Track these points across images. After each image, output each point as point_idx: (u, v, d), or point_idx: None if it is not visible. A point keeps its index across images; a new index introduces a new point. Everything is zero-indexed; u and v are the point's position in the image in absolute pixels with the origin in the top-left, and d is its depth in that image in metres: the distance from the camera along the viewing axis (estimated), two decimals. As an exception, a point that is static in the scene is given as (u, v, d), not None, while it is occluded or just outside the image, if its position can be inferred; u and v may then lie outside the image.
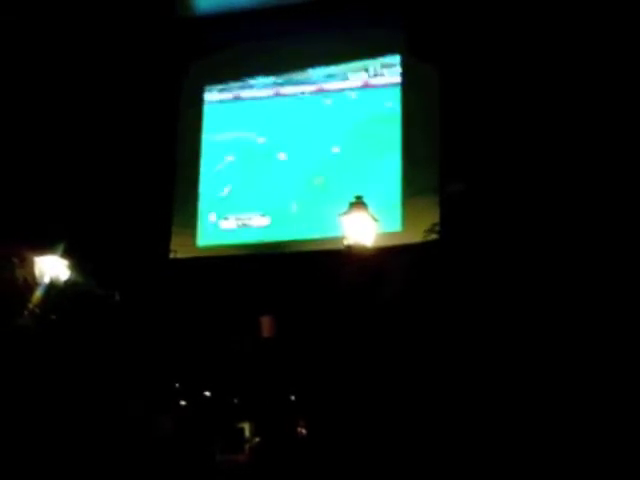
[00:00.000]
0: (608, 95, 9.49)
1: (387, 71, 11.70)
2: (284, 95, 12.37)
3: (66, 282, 9.63)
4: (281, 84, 12.38)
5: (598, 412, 7.47)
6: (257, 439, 8.69)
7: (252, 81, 12.57)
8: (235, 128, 12.55)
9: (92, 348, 9.86)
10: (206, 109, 12.81)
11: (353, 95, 11.90)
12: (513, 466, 7.42)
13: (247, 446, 8.71)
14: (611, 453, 7.21)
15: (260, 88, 12.52)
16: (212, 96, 12.82)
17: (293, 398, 10.23)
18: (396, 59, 11.67)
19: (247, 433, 9.27)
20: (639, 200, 8.58)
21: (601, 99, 9.52)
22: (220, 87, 12.80)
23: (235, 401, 10.46)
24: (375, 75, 11.76)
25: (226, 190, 12.26)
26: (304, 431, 9.49)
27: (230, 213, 12.05)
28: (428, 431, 8.05)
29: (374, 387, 8.47)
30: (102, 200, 12.08)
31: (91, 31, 12.42)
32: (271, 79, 12.46)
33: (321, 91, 12.12)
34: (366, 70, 11.83)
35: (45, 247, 9.55)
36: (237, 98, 12.69)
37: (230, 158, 12.42)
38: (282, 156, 12.08)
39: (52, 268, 9.49)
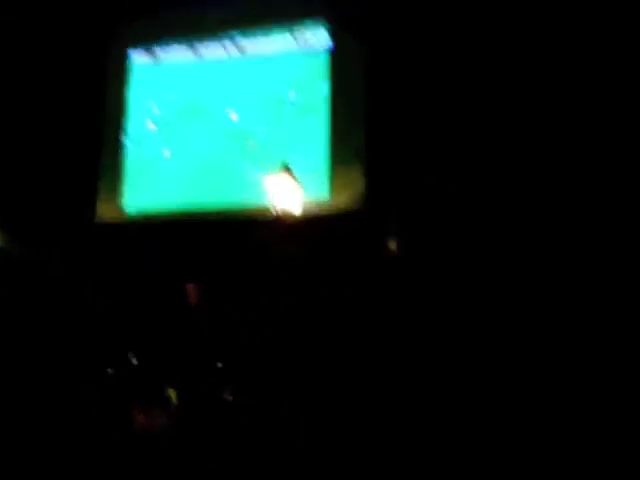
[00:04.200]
0: (535, 64, 9.62)
1: (313, 35, 11.51)
2: (208, 58, 12.14)
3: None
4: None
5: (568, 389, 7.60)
6: (182, 406, 8.70)
7: (177, 45, 12.30)
8: (161, 92, 12.32)
9: (17, 316, 9.75)
10: (133, 72, 12.54)
11: (279, 59, 11.69)
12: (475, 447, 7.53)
13: (172, 413, 8.71)
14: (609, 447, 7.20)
15: (186, 50, 12.28)
16: (138, 59, 12.55)
17: (220, 365, 10.25)
18: (322, 23, 11.49)
19: (172, 400, 9.27)
20: (573, 177, 8.77)
21: (529, 69, 9.65)
22: (146, 50, 12.51)
23: (161, 368, 10.43)
24: (301, 39, 11.58)
25: (153, 156, 12.08)
26: (230, 398, 9.52)
27: (157, 179, 11.88)
28: (354, 401, 8.17)
29: (301, 355, 8.55)
30: (26, 165, 11.87)
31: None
32: (195, 42, 12.20)
33: (247, 54, 11.91)
34: (292, 33, 11.63)
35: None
36: (161, 61, 12.44)
37: (157, 122, 12.22)
38: (209, 121, 11.90)
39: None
